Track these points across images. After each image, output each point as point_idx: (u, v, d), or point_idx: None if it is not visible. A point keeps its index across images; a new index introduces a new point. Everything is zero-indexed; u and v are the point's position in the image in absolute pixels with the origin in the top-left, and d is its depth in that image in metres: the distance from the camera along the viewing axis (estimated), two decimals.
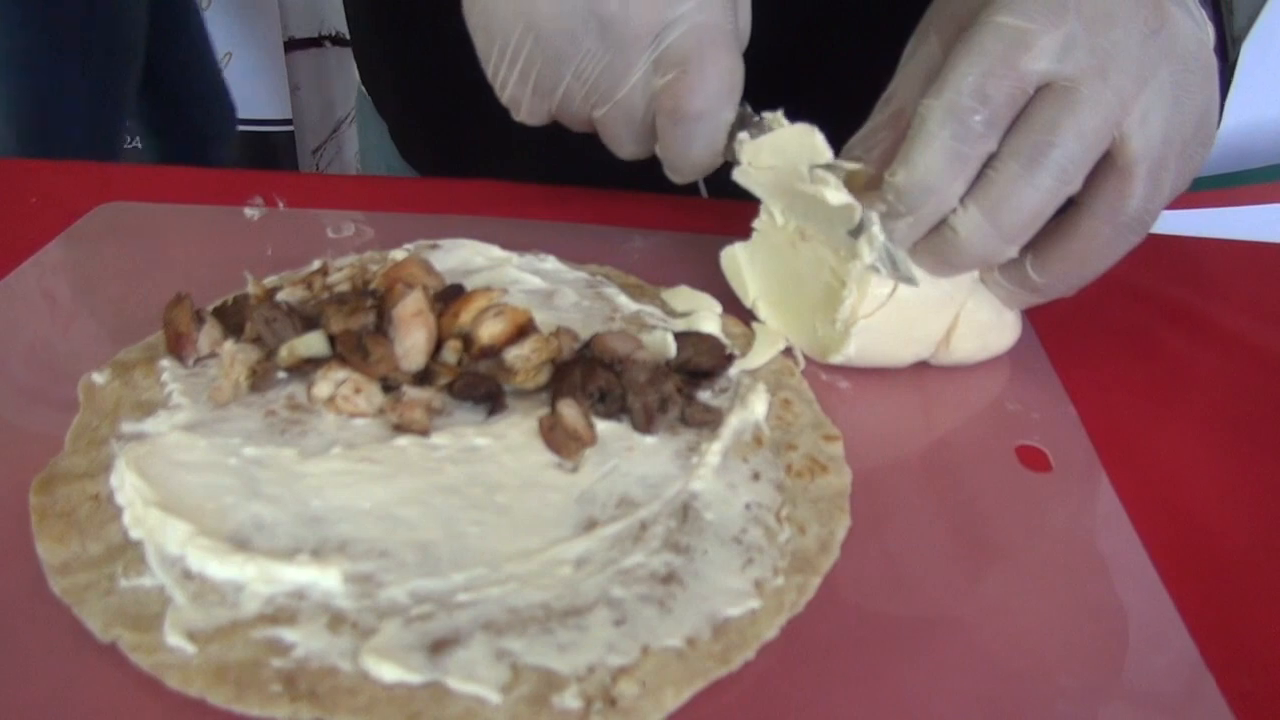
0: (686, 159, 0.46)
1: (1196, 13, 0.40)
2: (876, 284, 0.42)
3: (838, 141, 0.44)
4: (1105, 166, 0.39)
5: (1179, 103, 0.39)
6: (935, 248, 0.41)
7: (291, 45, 1.70)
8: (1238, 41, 0.45)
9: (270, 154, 1.75)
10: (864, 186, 0.43)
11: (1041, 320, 0.50)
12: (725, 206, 0.59)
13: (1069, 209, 0.40)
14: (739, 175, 0.47)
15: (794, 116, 0.44)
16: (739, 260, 0.49)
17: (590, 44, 0.44)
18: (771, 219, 0.47)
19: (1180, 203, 0.42)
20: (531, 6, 0.44)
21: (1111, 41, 0.38)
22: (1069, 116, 0.38)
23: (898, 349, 0.45)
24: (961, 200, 0.40)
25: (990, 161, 0.39)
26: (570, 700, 0.28)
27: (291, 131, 1.75)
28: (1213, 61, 0.40)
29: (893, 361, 0.45)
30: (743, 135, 0.46)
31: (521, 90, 0.47)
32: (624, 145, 0.48)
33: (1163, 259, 0.44)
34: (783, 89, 0.46)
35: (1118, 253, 0.41)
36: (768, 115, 0.45)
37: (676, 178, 0.48)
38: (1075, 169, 0.38)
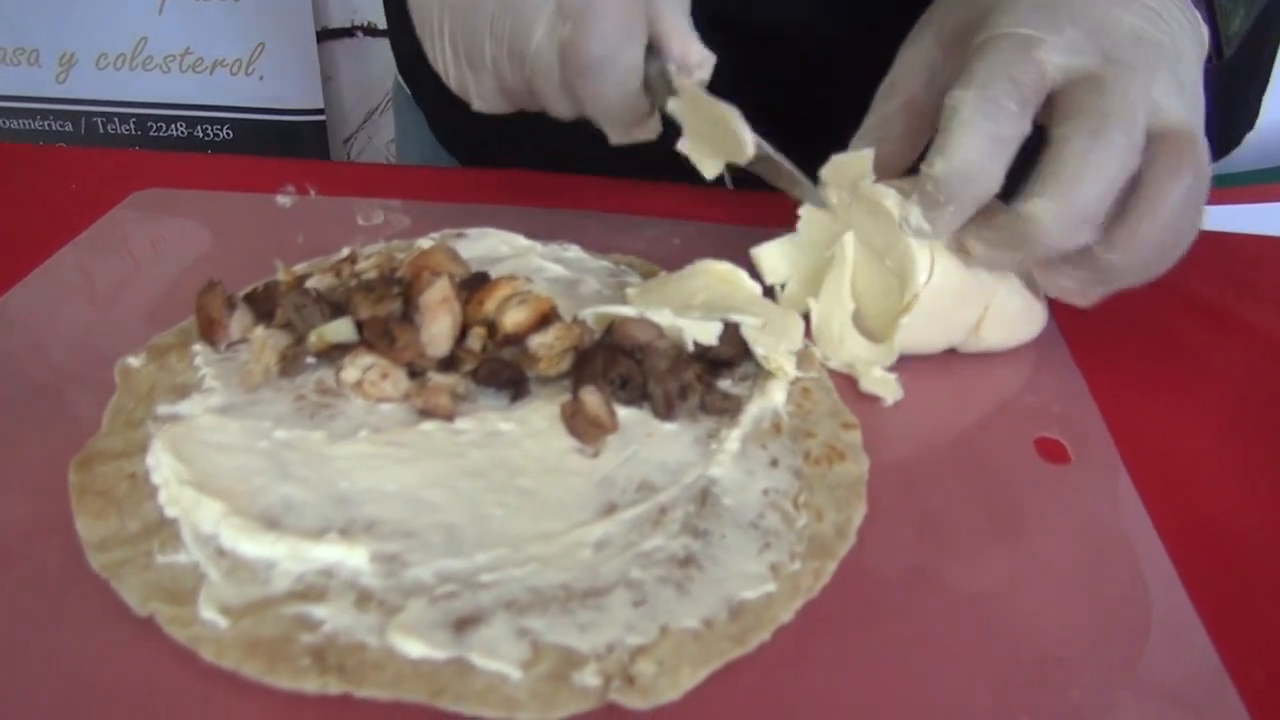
0: (606, 109, 0.46)
1: (1181, 15, 0.43)
2: (918, 270, 0.43)
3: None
4: (1151, 144, 0.40)
5: (1184, 87, 0.41)
6: (1014, 240, 0.41)
7: (324, 35, 1.71)
8: (1232, 40, 0.46)
9: (301, 143, 1.76)
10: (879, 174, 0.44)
11: (1063, 312, 0.50)
12: (751, 197, 0.59)
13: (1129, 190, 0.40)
14: (683, 146, 0.47)
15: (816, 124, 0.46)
16: (776, 258, 0.49)
17: (491, 4, 0.44)
18: (812, 216, 0.48)
19: (1210, 198, 0.42)
20: None
21: (1109, 43, 0.40)
22: (1110, 91, 0.39)
23: (931, 337, 0.45)
24: (1033, 191, 0.40)
25: (1053, 147, 0.40)
26: (589, 678, 0.29)
27: (322, 121, 1.76)
28: (1194, 54, 0.43)
29: (925, 349, 0.46)
30: (671, 103, 0.46)
31: (460, 70, 0.48)
32: (557, 103, 0.47)
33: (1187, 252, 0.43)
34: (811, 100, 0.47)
35: (1178, 229, 0.41)
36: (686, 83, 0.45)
37: (614, 136, 0.48)
38: (1136, 131, 0.39)
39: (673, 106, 0.46)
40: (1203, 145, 0.41)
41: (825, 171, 0.47)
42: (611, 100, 0.45)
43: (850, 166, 0.45)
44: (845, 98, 0.49)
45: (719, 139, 0.46)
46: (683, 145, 0.47)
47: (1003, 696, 0.30)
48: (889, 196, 0.43)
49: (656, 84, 0.46)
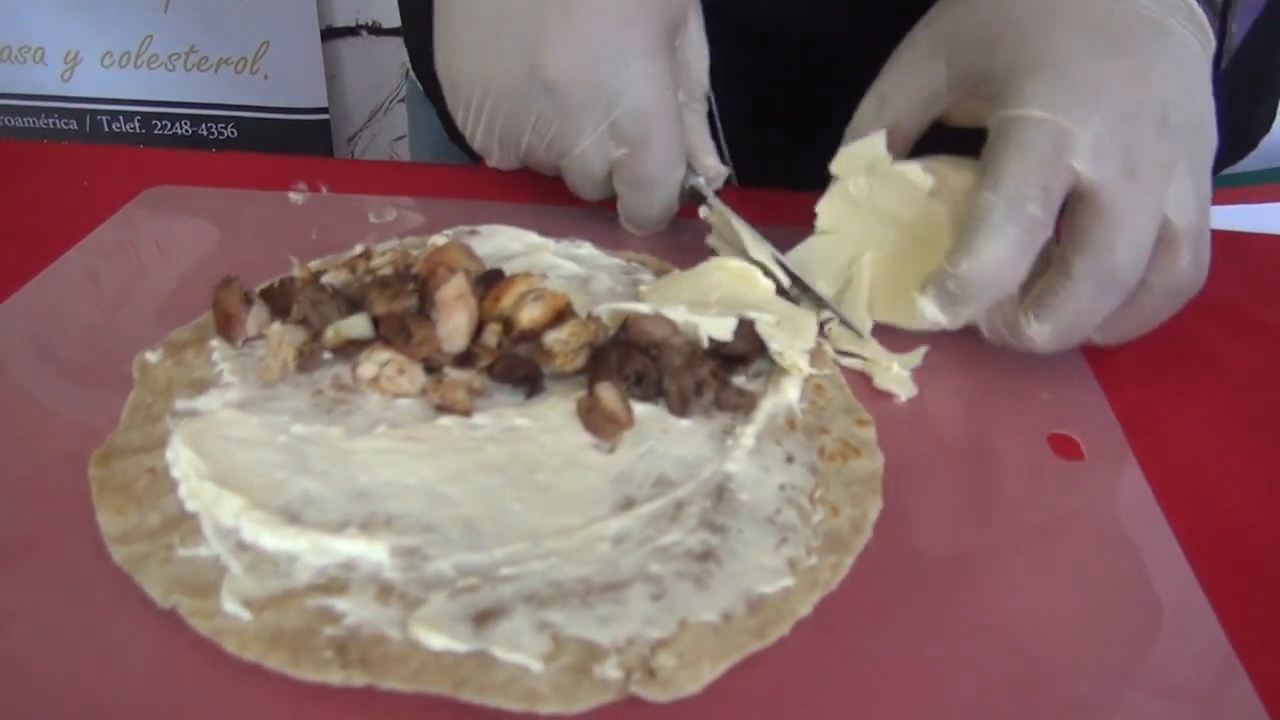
0: (647, 218, 0.53)
1: (1188, 75, 0.42)
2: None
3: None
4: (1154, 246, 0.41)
5: (1198, 173, 0.42)
6: (1013, 334, 0.44)
7: (328, 34, 1.72)
8: (1228, 53, 0.47)
9: (305, 142, 1.76)
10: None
11: None
12: (761, 195, 0.59)
13: None
14: (712, 241, 0.53)
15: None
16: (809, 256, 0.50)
17: (541, 106, 0.48)
18: (828, 210, 0.49)
19: (1225, 198, 0.44)
20: (488, 68, 0.49)
21: (1132, 140, 0.40)
22: (1120, 229, 0.40)
23: None
24: (1035, 315, 0.42)
25: (1060, 280, 0.41)
26: (611, 670, 0.29)
27: (327, 120, 1.76)
28: (1211, 124, 0.43)
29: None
30: (704, 211, 0.53)
31: (489, 141, 0.52)
32: (585, 193, 0.53)
33: None
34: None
35: (1173, 311, 0.44)
36: (715, 204, 0.52)
37: (636, 231, 0.54)
38: (1137, 273, 0.41)
39: (704, 213, 0.53)
40: (1200, 240, 0.42)
41: (836, 165, 0.47)
42: (656, 212, 0.53)
43: (862, 154, 0.46)
44: (845, 94, 0.49)
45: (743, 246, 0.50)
46: (711, 240, 0.54)
47: (1018, 691, 0.31)
48: (912, 169, 0.45)
49: (685, 195, 0.53)
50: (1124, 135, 0.40)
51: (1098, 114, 0.40)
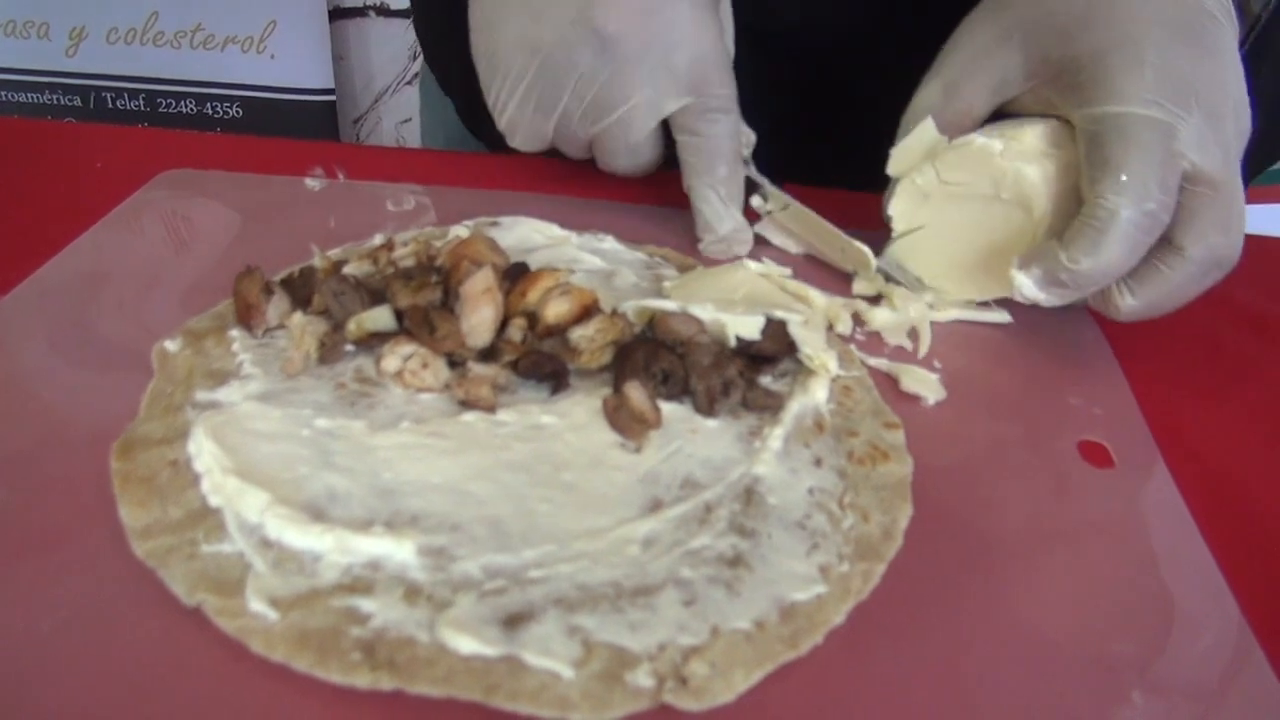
0: (717, 157, 0.51)
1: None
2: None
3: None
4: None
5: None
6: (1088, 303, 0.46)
7: (336, 15, 1.70)
8: (1253, 16, 0.48)
9: (311, 123, 1.75)
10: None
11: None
12: (805, 193, 0.59)
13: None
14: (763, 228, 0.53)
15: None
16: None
17: (588, 62, 0.47)
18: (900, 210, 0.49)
19: (1253, 198, 0.43)
20: (533, 35, 0.48)
21: (1225, 134, 0.42)
22: (1230, 211, 0.42)
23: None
24: (1131, 290, 0.44)
25: (1172, 260, 0.42)
26: (643, 678, 0.28)
27: (333, 101, 1.75)
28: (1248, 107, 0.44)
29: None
30: (755, 200, 0.53)
31: (521, 113, 0.51)
32: (619, 159, 0.52)
33: None
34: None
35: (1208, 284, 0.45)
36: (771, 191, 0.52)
37: (703, 183, 0.52)
38: (1238, 251, 0.43)
39: (757, 203, 0.53)
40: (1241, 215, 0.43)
41: (893, 166, 0.48)
42: (725, 148, 0.50)
43: (916, 146, 0.47)
44: (879, 97, 0.48)
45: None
46: (765, 229, 0.54)
47: (1051, 700, 0.30)
48: (976, 140, 0.45)
49: None
50: (1218, 129, 0.41)
51: (1196, 105, 0.41)
